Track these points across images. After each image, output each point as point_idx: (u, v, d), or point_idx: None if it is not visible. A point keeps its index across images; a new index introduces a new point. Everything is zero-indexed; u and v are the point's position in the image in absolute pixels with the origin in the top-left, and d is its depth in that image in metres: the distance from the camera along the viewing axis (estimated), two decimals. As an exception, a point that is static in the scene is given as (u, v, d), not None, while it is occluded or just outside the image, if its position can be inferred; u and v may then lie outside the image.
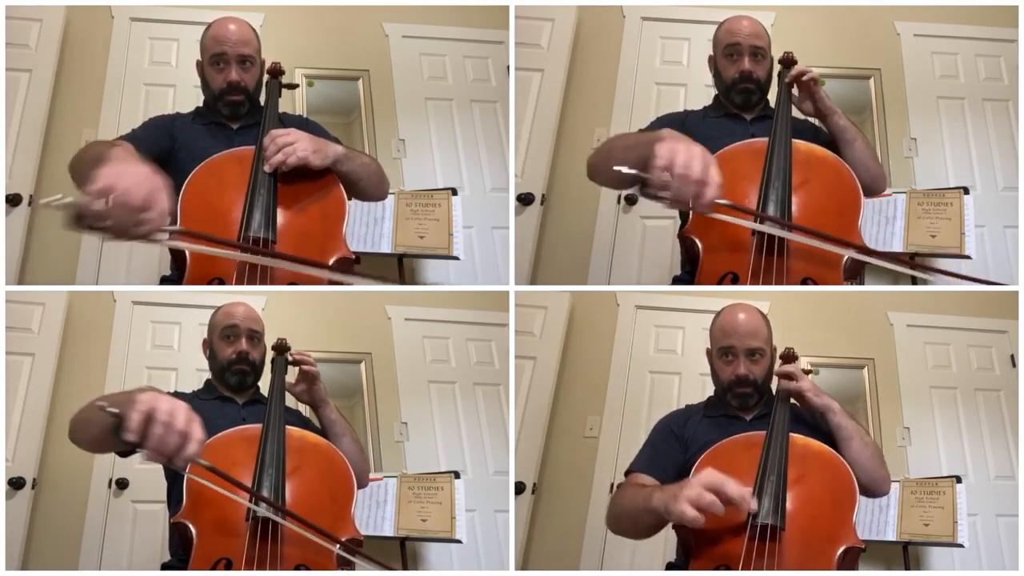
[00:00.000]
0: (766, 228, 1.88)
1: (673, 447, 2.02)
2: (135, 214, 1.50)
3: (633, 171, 1.68)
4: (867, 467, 1.92)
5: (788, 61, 2.09)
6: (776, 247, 1.89)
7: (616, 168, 1.70)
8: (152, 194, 1.52)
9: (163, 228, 1.57)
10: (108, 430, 1.53)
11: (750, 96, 2.12)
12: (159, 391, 1.55)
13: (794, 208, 1.93)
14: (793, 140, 2.00)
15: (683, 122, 2.17)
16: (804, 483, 1.84)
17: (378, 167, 2.17)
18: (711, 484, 1.69)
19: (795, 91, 2.08)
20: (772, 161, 1.96)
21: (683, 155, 1.65)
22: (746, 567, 1.74)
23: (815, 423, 2.01)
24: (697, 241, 1.95)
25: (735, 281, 1.91)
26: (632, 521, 1.92)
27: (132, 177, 1.52)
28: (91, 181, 1.49)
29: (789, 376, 1.97)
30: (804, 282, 1.91)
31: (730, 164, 1.97)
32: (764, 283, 1.89)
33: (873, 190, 2.07)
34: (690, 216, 1.95)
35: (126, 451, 1.84)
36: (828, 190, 1.98)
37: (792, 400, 1.99)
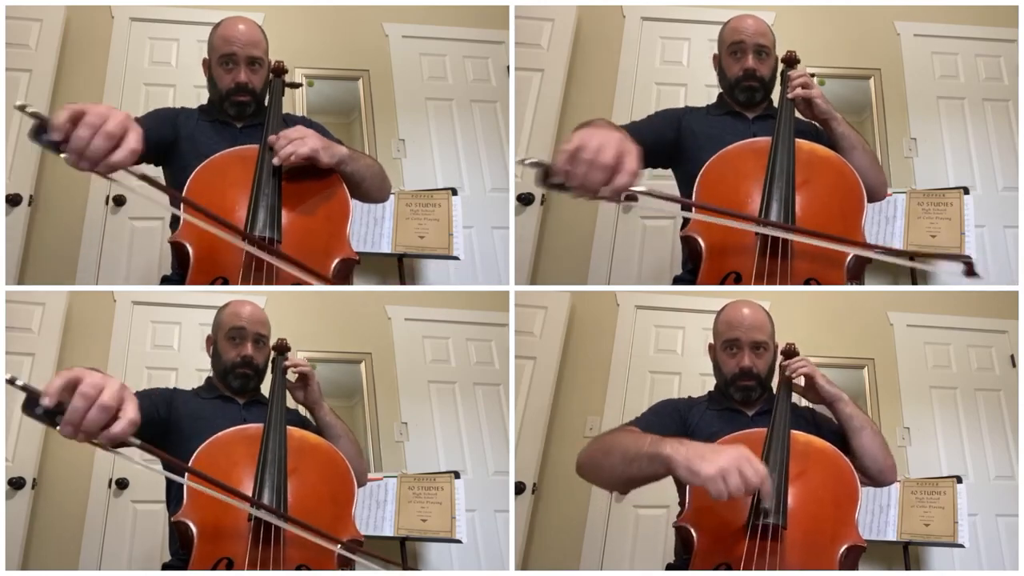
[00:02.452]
0: (744, 225, 1.88)
1: (677, 422, 2.02)
2: (105, 141, 1.48)
3: (538, 160, 1.59)
4: (877, 456, 1.95)
5: (791, 60, 2.09)
6: (780, 248, 1.89)
7: (519, 161, 1.67)
8: (128, 129, 1.50)
9: (138, 172, 1.56)
10: None
11: (753, 94, 2.12)
12: (97, 370, 1.42)
13: (797, 208, 1.92)
14: (796, 140, 2.00)
15: (680, 117, 2.16)
16: (806, 481, 1.84)
17: (380, 169, 2.17)
18: (748, 474, 1.58)
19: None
20: (775, 161, 1.95)
21: (596, 140, 1.56)
22: (747, 566, 1.73)
23: (816, 422, 2.01)
24: (700, 241, 1.94)
25: (738, 281, 1.91)
26: (623, 462, 1.78)
27: (109, 111, 1.50)
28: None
29: (799, 364, 1.98)
30: (808, 282, 1.90)
31: (733, 163, 1.98)
32: (768, 284, 1.88)
33: (872, 198, 2.05)
34: (692, 215, 1.95)
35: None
36: (831, 190, 1.97)
37: (796, 396, 1.99)
